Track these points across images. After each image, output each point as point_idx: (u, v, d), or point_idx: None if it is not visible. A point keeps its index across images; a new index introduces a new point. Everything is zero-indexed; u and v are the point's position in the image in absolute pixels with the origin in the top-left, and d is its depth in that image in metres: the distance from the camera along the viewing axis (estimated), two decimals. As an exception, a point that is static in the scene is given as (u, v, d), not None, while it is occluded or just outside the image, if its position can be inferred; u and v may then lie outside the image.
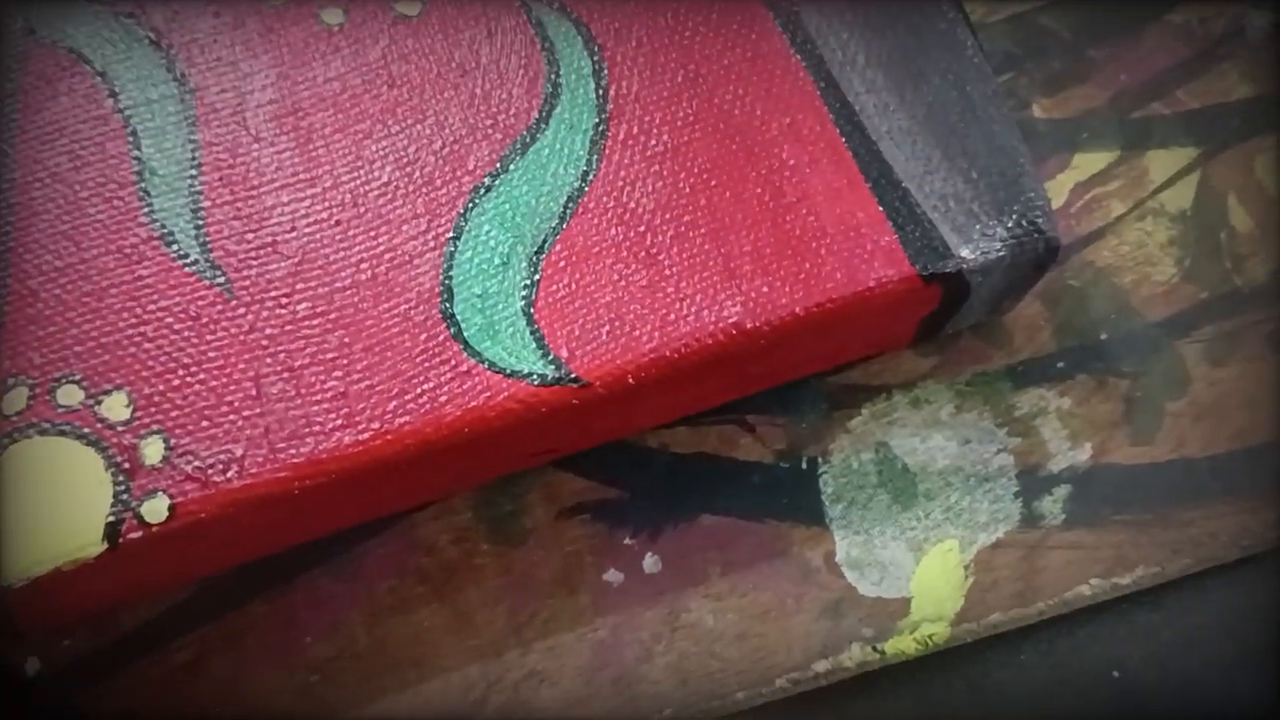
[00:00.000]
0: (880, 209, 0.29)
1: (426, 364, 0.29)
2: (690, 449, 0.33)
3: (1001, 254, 0.29)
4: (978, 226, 0.29)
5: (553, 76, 0.31)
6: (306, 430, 0.28)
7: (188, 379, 0.29)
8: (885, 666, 0.32)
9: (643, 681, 0.31)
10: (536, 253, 0.29)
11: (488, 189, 0.30)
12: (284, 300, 0.29)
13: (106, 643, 0.32)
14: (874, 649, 0.31)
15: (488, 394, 0.28)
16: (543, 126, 0.30)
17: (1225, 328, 0.34)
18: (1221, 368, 0.33)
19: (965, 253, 0.29)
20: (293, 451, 0.28)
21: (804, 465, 0.33)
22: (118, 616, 0.32)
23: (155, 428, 0.28)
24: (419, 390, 0.28)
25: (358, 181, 0.30)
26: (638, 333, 0.29)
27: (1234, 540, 0.32)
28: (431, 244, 0.29)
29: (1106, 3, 0.37)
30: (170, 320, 0.29)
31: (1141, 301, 0.34)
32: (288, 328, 0.29)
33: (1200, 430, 0.33)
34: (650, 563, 0.32)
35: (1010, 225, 0.29)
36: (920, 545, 0.32)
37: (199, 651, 0.32)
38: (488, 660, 0.31)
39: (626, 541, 0.32)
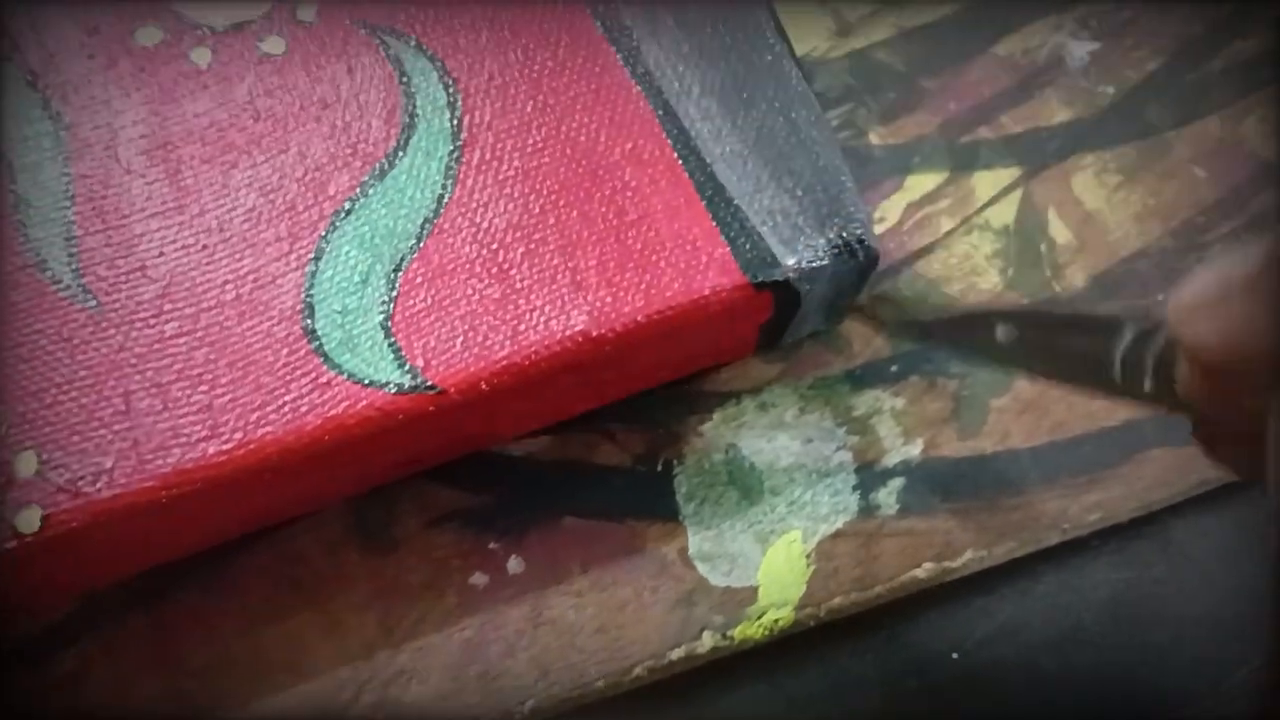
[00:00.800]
0: (714, 224, 0.32)
1: (288, 377, 0.30)
2: (554, 456, 0.35)
3: (824, 262, 0.32)
4: (802, 238, 0.32)
5: (410, 108, 0.33)
6: (173, 442, 0.30)
7: (60, 396, 0.30)
8: (739, 659, 0.34)
9: (506, 675, 0.33)
10: (394, 271, 0.31)
11: (348, 212, 0.32)
12: (152, 321, 0.31)
13: (-13, 659, 0.33)
14: (724, 635, 0.33)
15: (347, 403, 0.30)
16: (400, 154, 0.32)
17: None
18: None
19: (791, 262, 0.32)
20: (160, 462, 0.30)
21: (660, 468, 0.35)
22: (-2, 634, 0.33)
23: (28, 443, 0.30)
24: (281, 401, 0.30)
25: (224, 208, 0.32)
26: (490, 342, 0.31)
27: (1054, 524, 0.35)
28: (294, 265, 0.31)
29: (939, 36, 0.41)
30: (43, 342, 0.30)
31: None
32: (155, 346, 0.30)
33: (1022, 423, 0.36)
34: (514, 564, 0.34)
35: (831, 236, 0.32)
36: (766, 537, 0.34)
37: (80, 664, 0.33)
38: (359, 662, 0.33)
39: (492, 546, 0.34)
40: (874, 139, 0.39)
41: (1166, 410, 0.23)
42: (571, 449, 0.35)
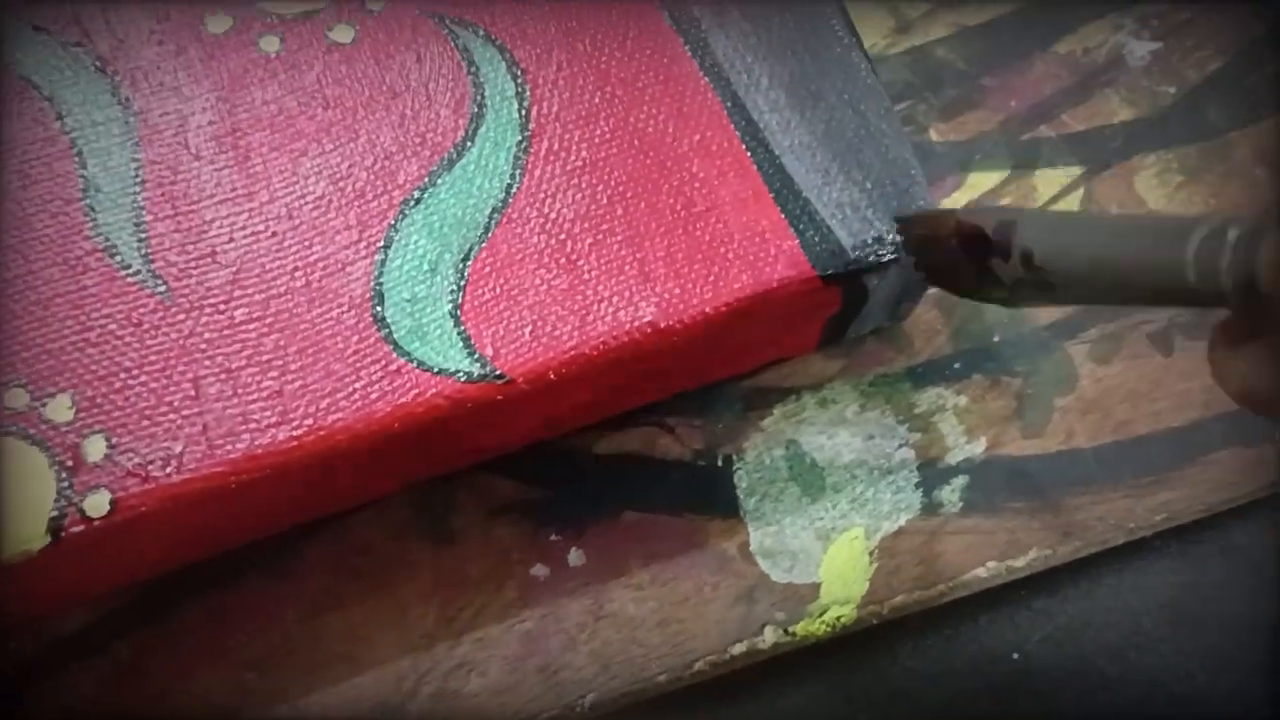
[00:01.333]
0: (783, 217, 0.32)
1: (358, 364, 0.30)
2: (613, 449, 0.35)
3: (894, 256, 0.31)
4: (872, 232, 0.32)
5: (478, 97, 0.33)
6: (243, 427, 0.30)
7: (129, 381, 0.30)
8: (799, 657, 0.34)
9: (567, 668, 0.33)
10: (463, 260, 0.31)
11: (417, 201, 0.32)
12: (222, 306, 0.31)
13: (45, 645, 0.33)
14: (786, 631, 0.33)
15: (416, 390, 0.30)
16: (468, 144, 0.32)
17: (1109, 329, 0.36)
18: (1106, 365, 0.36)
19: (860, 255, 0.31)
20: (229, 447, 0.29)
21: (720, 463, 0.35)
22: (56, 621, 0.33)
23: (97, 427, 0.30)
24: (351, 388, 0.30)
25: (293, 196, 0.32)
26: (559, 332, 0.31)
27: (1119, 524, 0.34)
28: (363, 253, 0.31)
29: (998, 35, 0.40)
30: (113, 327, 0.30)
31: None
32: (225, 332, 0.30)
33: (1087, 423, 0.35)
34: (575, 557, 0.34)
35: (901, 229, 0.32)
36: (828, 534, 0.34)
37: (137, 652, 0.33)
38: (419, 653, 0.33)
39: (553, 538, 0.34)
40: (934, 135, 0.39)
41: (1238, 307, 0.23)
42: (631, 442, 0.35)
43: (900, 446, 0.35)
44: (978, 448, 0.35)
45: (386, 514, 0.34)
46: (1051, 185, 0.38)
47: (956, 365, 0.36)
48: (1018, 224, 0.27)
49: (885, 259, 0.32)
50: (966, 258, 0.28)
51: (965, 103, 0.39)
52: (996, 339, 0.36)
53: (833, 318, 0.34)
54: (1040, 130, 0.39)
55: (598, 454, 0.35)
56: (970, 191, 0.38)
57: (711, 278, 0.31)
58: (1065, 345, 0.36)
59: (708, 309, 0.31)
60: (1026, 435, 0.35)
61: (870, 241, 0.32)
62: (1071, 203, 0.38)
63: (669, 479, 0.35)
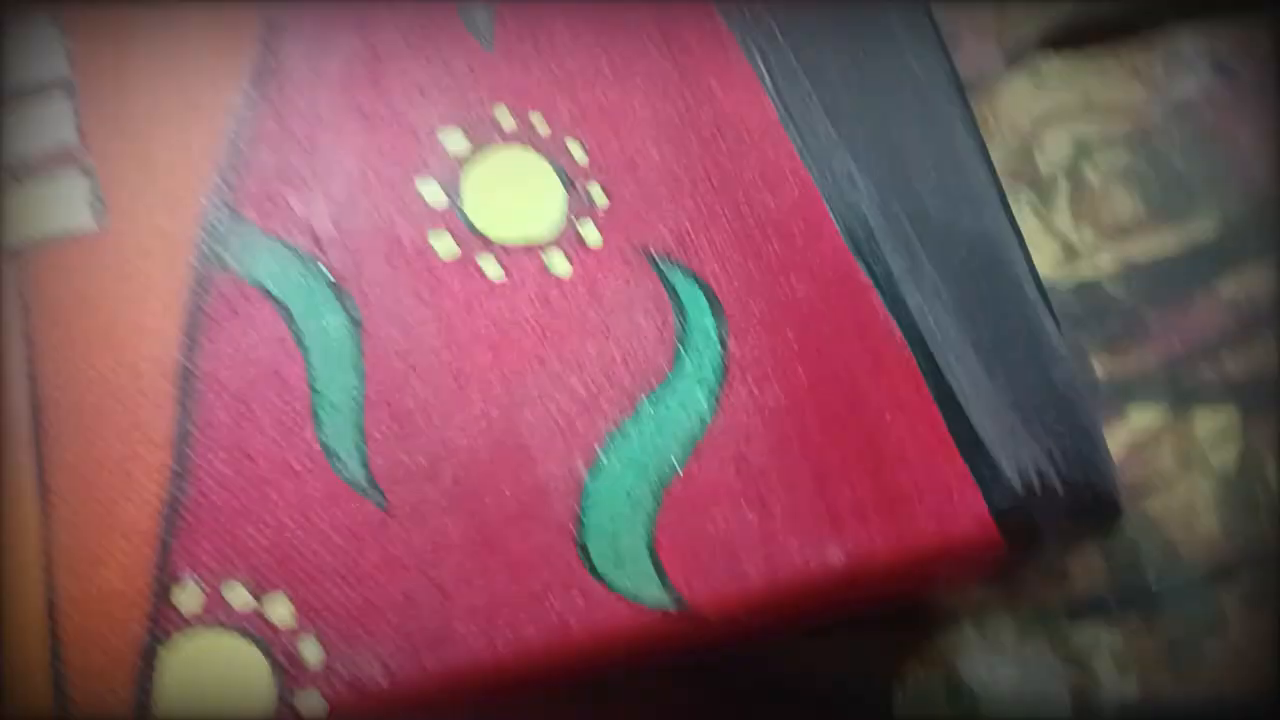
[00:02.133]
0: (969, 474, 0.33)
1: (559, 587, 0.32)
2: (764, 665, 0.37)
3: (1071, 517, 0.33)
4: (1056, 494, 0.33)
5: (681, 335, 0.35)
6: (448, 641, 0.32)
7: (345, 588, 0.32)
8: None
9: None
10: (660, 491, 0.33)
11: (621, 432, 0.34)
12: (435, 522, 0.33)
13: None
14: None
15: (613, 619, 0.32)
16: (671, 379, 0.34)
17: (1263, 578, 0.37)
18: (1259, 614, 0.37)
19: (1041, 516, 0.33)
20: (435, 660, 0.31)
21: (875, 684, 0.36)
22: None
23: (313, 630, 0.32)
24: (550, 611, 0.32)
25: (507, 419, 0.34)
26: (748, 570, 0.32)
27: (1270, 784, 0.35)
28: (569, 478, 0.33)
29: (1162, 270, 0.42)
30: (331, 533, 0.33)
31: (1187, 550, 0.38)
32: (438, 546, 0.32)
33: (1237, 672, 0.36)
34: (737, 771, 0.35)
35: (1081, 493, 0.33)
36: (984, 771, 0.35)
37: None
38: None
39: (715, 748, 0.36)
40: (1096, 369, 0.40)
41: None
42: (783, 659, 0.37)
43: (1055, 681, 0.36)
44: (1129, 687, 0.36)
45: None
46: (1210, 427, 0.39)
47: (1112, 604, 0.37)
48: None
49: (1063, 520, 0.33)
50: None
51: (1128, 338, 0.41)
52: (1152, 580, 0.37)
53: (1002, 560, 0.35)
54: (1201, 371, 0.40)
55: (744, 660, 0.37)
56: (1128, 429, 0.39)
57: (898, 528, 0.33)
58: (1218, 592, 0.37)
59: (894, 558, 0.33)
60: (1178, 682, 0.36)
61: (1052, 504, 0.33)
62: (1230, 447, 0.39)
63: (823, 697, 0.36)
